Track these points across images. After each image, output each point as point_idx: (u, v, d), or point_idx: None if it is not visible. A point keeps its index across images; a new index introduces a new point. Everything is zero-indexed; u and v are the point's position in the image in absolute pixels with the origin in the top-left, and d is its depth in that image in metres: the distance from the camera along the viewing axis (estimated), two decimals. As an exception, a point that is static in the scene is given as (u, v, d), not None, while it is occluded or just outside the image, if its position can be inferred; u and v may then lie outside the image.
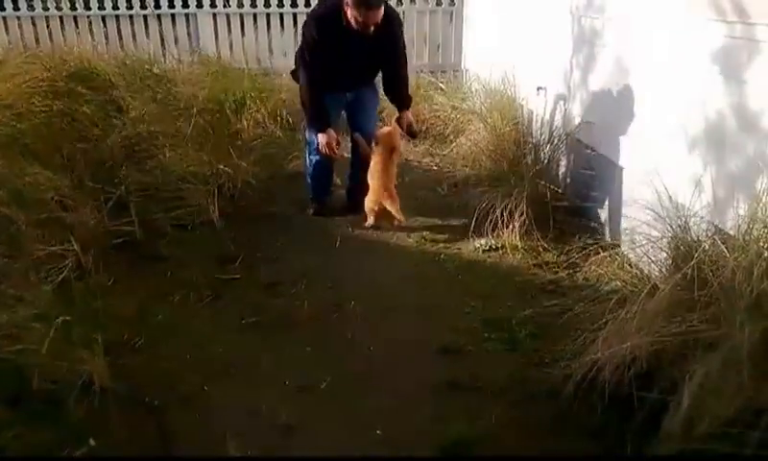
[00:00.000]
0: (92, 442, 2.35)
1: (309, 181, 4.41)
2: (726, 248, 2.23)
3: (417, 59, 7.10)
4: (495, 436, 2.36)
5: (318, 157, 4.15)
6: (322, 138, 3.96)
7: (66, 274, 3.21)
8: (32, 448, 2.27)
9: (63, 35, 6.90)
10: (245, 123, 5.23)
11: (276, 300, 3.32)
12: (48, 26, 6.91)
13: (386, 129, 4.28)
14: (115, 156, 4.43)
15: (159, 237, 3.87)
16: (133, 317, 3.11)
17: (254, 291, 3.40)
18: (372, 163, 4.13)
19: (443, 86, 6.42)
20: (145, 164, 4.37)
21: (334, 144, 3.97)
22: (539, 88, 4.60)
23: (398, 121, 4.26)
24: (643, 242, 2.79)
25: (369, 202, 4.14)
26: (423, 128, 5.95)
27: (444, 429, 2.39)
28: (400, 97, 4.26)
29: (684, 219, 2.54)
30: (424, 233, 4.08)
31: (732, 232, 2.37)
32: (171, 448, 2.34)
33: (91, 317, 2.94)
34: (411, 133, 4.37)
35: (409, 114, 4.30)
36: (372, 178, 4.11)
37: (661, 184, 2.90)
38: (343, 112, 4.29)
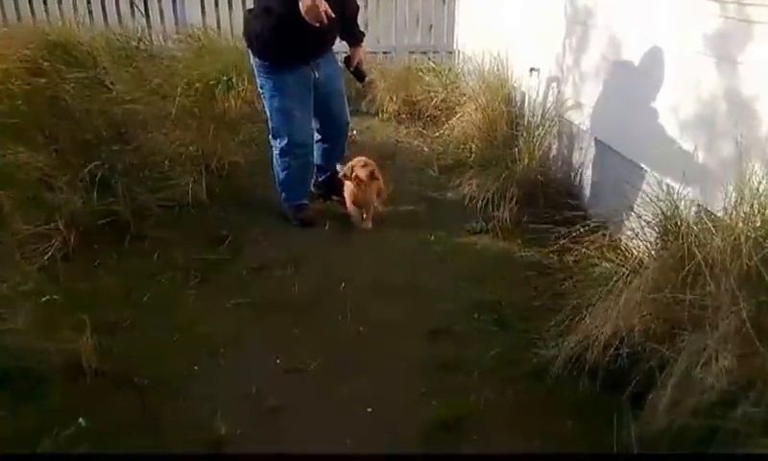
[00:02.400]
0: (82, 421, 2.39)
1: (282, 191, 4.06)
2: (714, 228, 2.29)
3: (409, 39, 7.11)
4: (484, 415, 2.43)
5: (290, 160, 3.85)
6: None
7: (52, 254, 3.25)
8: (19, 428, 2.31)
9: (46, 9, 6.83)
10: (232, 101, 5.24)
11: (265, 282, 3.36)
12: (30, 1, 6.85)
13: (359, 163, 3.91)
14: (100, 135, 4.43)
15: (146, 218, 3.89)
16: (120, 298, 3.15)
17: (243, 273, 3.44)
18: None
19: (434, 67, 6.45)
20: (131, 143, 4.36)
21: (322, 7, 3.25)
22: (531, 69, 4.64)
23: (347, 61, 4.00)
24: (633, 223, 2.86)
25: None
26: (415, 109, 5.99)
27: (433, 409, 2.46)
28: (352, 31, 3.95)
29: (672, 200, 2.60)
30: (415, 216, 4.13)
31: (720, 214, 2.43)
32: (160, 428, 2.38)
33: (77, 297, 3.00)
34: (359, 75, 4.09)
35: (359, 51, 4.04)
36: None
37: (652, 166, 2.97)
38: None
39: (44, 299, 2.68)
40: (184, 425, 2.40)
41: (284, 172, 3.94)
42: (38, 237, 3.34)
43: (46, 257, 3.22)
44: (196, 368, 2.72)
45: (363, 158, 3.90)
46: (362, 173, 3.82)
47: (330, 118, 4.02)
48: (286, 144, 3.80)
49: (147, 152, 4.30)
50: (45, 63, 4.44)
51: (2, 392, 2.45)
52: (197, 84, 5.01)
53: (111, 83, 4.75)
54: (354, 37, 3.99)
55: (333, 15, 3.31)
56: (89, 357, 2.61)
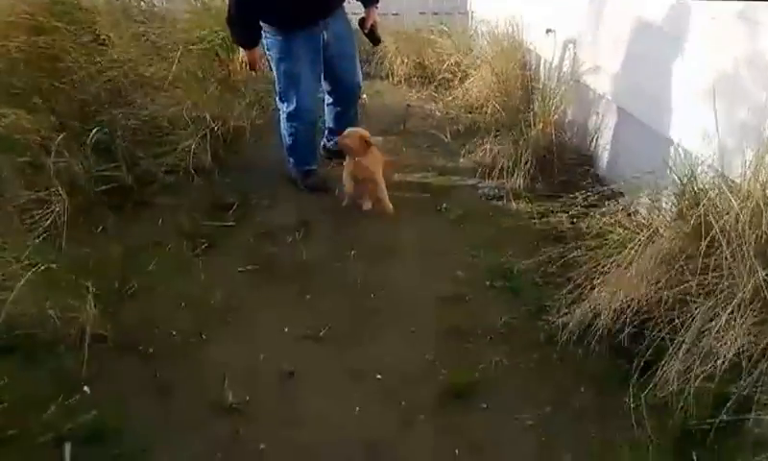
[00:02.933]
0: (86, 389, 2.48)
1: (290, 156, 4.11)
2: (732, 196, 2.35)
3: (421, 0, 7.11)
4: (495, 381, 2.52)
5: (298, 124, 3.91)
6: (248, 54, 3.87)
7: (53, 220, 3.32)
8: (24, 397, 2.40)
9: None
10: (236, 63, 5.27)
11: (273, 248, 3.44)
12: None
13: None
14: (100, 97, 4.47)
15: (149, 183, 3.96)
16: (125, 265, 3.22)
17: (250, 239, 3.52)
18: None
19: (447, 30, 6.45)
20: (132, 106, 4.41)
21: (258, 61, 3.88)
22: (547, 31, 4.64)
23: (362, 23, 4.00)
24: (649, 190, 2.92)
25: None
26: (427, 73, 6.01)
27: (444, 376, 2.56)
28: None
29: (690, 167, 2.65)
30: (427, 182, 4.19)
31: (738, 180, 2.49)
32: (167, 395, 2.48)
33: (80, 265, 3.05)
34: (373, 38, 4.12)
35: (374, 13, 4.01)
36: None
37: (670, 131, 3.01)
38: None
39: (46, 266, 2.71)
40: (193, 393, 2.50)
41: (291, 137, 3.98)
42: (39, 203, 3.42)
43: (47, 224, 3.29)
44: (203, 336, 2.80)
45: (357, 129, 3.83)
46: (350, 141, 3.72)
47: (340, 80, 4.03)
48: (294, 108, 3.83)
49: (149, 115, 4.34)
50: (44, 21, 4.44)
51: (7, 359, 2.55)
52: (199, 45, 5.03)
53: (111, 43, 4.79)
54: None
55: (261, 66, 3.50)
56: (94, 325, 2.69)
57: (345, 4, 3.90)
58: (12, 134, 3.67)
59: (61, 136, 3.75)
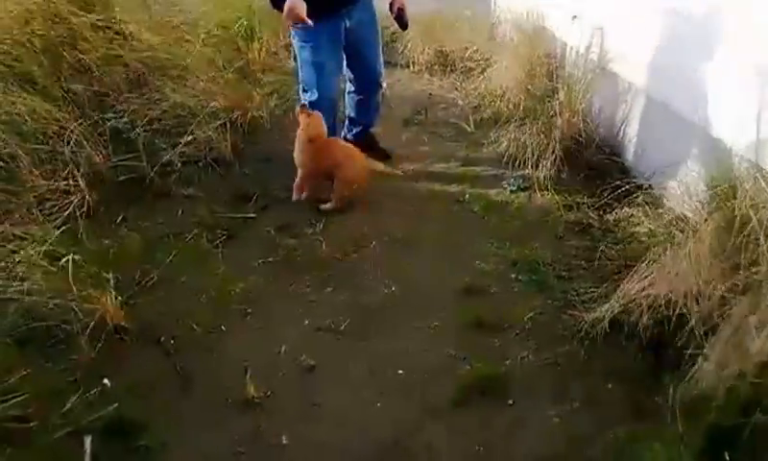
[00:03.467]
0: (107, 382, 2.50)
1: None
2: (768, 187, 2.30)
3: (440, -16, 7.05)
4: (521, 377, 2.50)
5: (326, 112, 3.80)
6: (290, 3, 3.38)
7: (72, 211, 3.35)
8: (44, 389, 2.40)
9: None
10: (255, 52, 5.26)
11: (293, 240, 3.43)
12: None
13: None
14: (119, 86, 4.49)
15: (168, 174, 3.95)
16: (144, 256, 3.23)
17: (270, 231, 3.51)
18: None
19: (469, 15, 6.39)
20: (151, 96, 4.42)
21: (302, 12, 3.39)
22: (573, 17, 4.58)
23: (391, 6, 3.89)
24: (680, 182, 2.87)
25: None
26: (448, 61, 5.96)
27: (468, 371, 2.54)
28: None
29: (725, 158, 2.60)
30: (449, 172, 4.15)
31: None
32: (188, 388, 2.50)
33: (100, 255, 3.07)
34: (401, 21, 3.98)
35: None
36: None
37: (703, 121, 2.95)
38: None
39: (66, 257, 2.72)
40: (213, 386, 2.51)
41: None
42: (58, 193, 3.45)
43: (66, 214, 3.32)
44: (224, 327, 2.81)
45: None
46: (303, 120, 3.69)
47: (362, 68, 4.00)
48: (316, 98, 3.81)
49: (168, 104, 4.35)
50: (62, 8, 4.45)
51: (27, 351, 2.56)
52: (218, 32, 5.03)
53: (130, 31, 4.80)
54: None
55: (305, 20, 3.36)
56: (114, 316, 2.71)
57: None
58: (30, 123, 3.69)
59: (80, 126, 3.78)
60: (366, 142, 4.20)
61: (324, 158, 3.72)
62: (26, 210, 3.24)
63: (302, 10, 3.39)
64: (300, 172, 3.79)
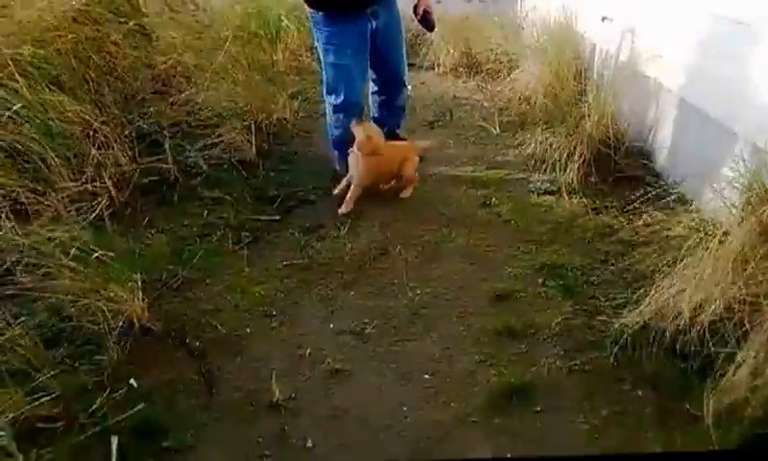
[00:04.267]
0: (133, 383, 2.52)
1: (335, 149, 4.10)
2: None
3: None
4: (550, 384, 2.47)
5: (344, 117, 3.84)
6: None
7: (99, 212, 3.38)
8: (71, 389, 2.42)
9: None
10: (280, 54, 5.31)
11: (318, 243, 3.44)
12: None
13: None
14: (145, 88, 4.55)
15: (194, 176, 4.00)
16: (171, 257, 3.26)
17: (295, 233, 3.53)
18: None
19: (495, 17, 6.38)
20: (177, 98, 4.47)
21: None
22: (603, 18, 4.56)
23: (415, 9, 4.01)
24: (713, 187, 2.84)
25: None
26: (474, 63, 5.96)
27: (495, 377, 2.52)
28: None
29: (760, 162, 2.56)
30: (475, 176, 4.14)
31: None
32: (215, 390, 2.51)
33: (127, 257, 3.09)
34: (427, 23, 4.09)
35: None
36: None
37: (738, 126, 2.91)
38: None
39: (94, 257, 2.76)
40: (239, 387, 2.51)
41: (338, 129, 3.94)
42: (85, 195, 3.48)
43: (93, 215, 3.35)
44: (249, 329, 2.82)
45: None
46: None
47: (386, 70, 4.02)
48: (341, 101, 3.83)
49: (194, 106, 4.40)
50: (90, 11, 4.51)
51: (53, 351, 2.57)
52: (242, 34, 5.08)
53: (157, 35, 4.86)
54: None
55: None
56: (141, 317, 2.74)
57: None
58: (58, 124, 3.74)
59: (108, 128, 3.83)
60: None
61: (385, 165, 3.79)
62: (54, 211, 3.28)
63: None
64: (355, 185, 3.77)
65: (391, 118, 4.25)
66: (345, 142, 3.96)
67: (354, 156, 3.76)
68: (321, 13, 3.69)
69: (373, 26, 3.74)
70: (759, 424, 2.04)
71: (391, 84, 4.14)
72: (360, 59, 3.79)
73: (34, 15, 4.35)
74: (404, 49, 4.09)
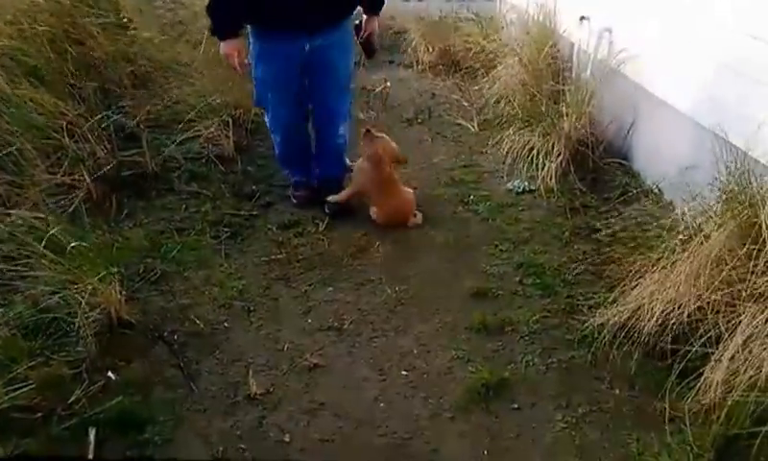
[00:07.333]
0: (111, 375, 2.49)
1: (281, 165, 3.89)
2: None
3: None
4: (526, 381, 2.48)
5: (275, 136, 3.67)
6: (224, 47, 3.33)
7: (77, 205, 3.35)
8: (49, 381, 2.38)
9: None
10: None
11: (297, 239, 3.42)
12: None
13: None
14: (123, 82, 4.49)
15: (172, 170, 3.96)
16: (149, 251, 3.23)
17: (273, 229, 3.51)
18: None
19: (474, 16, 6.38)
20: (155, 92, 4.42)
21: (236, 57, 3.33)
22: (581, 18, 4.57)
23: (357, 29, 3.61)
24: (690, 187, 2.84)
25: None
26: (453, 61, 5.95)
27: (472, 373, 2.51)
28: None
29: (739, 162, 2.57)
30: (454, 174, 4.13)
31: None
32: (194, 384, 2.47)
33: (104, 249, 3.05)
34: (368, 49, 3.75)
35: (376, 23, 3.66)
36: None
37: (715, 125, 2.92)
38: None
39: (70, 249, 2.71)
40: (216, 381, 2.49)
41: (276, 145, 3.75)
42: (63, 187, 3.44)
43: (71, 208, 3.32)
44: (226, 324, 2.80)
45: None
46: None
47: (319, 101, 3.60)
48: (270, 119, 3.66)
49: (171, 101, 4.35)
50: (68, 3, 4.44)
51: (31, 342, 2.53)
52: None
53: (134, 26, 4.79)
54: (372, 5, 3.61)
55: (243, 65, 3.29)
56: (118, 310, 2.70)
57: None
58: (37, 117, 3.68)
59: (85, 121, 3.77)
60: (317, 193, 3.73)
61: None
62: (32, 203, 3.22)
63: (235, 56, 3.30)
64: (350, 189, 3.68)
65: (321, 161, 3.80)
66: (283, 158, 3.80)
67: (361, 168, 3.63)
68: (252, 24, 3.41)
69: (306, 48, 3.36)
70: (734, 425, 2.05)
71: (323, 118, 3.68)
72: (289, 83, 3.45)
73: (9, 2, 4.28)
74: (348, 79, 3.69)
